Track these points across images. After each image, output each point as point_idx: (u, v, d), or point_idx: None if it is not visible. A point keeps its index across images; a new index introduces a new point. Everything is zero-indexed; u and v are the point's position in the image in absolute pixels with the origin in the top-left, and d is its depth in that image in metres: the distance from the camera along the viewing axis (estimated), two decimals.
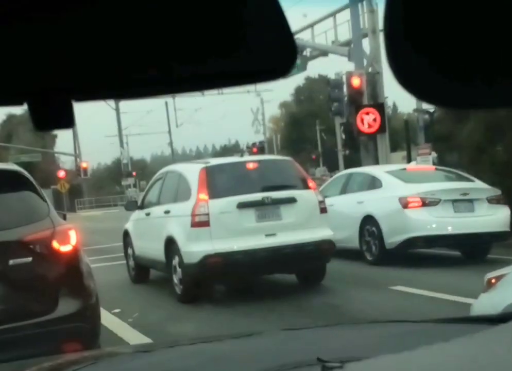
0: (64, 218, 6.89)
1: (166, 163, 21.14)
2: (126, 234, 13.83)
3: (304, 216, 10.89)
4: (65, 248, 6.10)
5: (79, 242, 6.28)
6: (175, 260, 10.87)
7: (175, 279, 10.89)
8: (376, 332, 2.16)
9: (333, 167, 67.02)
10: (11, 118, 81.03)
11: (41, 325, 5.80)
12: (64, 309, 5.93)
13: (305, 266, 11.26)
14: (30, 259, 5.82)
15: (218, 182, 11.02)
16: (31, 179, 6.41)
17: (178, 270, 10.78)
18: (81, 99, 1.01)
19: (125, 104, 65.38)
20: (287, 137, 79.23)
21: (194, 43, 0.94)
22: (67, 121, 1.02)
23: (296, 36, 29.33)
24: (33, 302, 5.87)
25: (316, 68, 76.08)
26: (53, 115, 1.01)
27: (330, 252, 11.11)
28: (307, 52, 29.96)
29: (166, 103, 65.88)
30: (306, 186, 11.26)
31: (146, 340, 8.16)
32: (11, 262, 5.76)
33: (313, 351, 1.73)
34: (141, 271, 13.13)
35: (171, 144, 69.90)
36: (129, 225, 13.80)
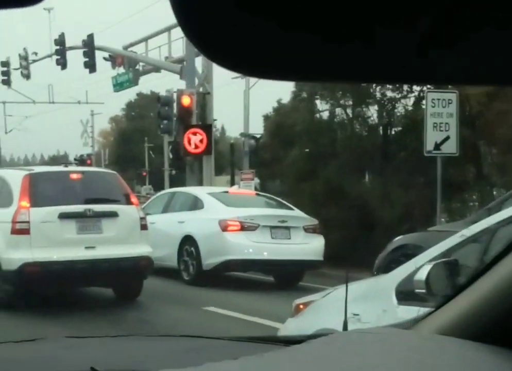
0: None
1: None
2: None
3: (124, 231, 10.98)
4: None
5: None
6: None
7: None
8: (167, 345, 2.15)
9: (158, 186, 67.06)
10: None
11: None
12: None
13: (122, 280, 11.31)
14: None
15: (41, 190, 10.92)
16: None
17: None
18: None
19: None
20: (115, 152, 78.37)
21: None
22: None
23: (129, 49, 28.37)
24: None
25: (149, 84, 75.78)
26: None
27: (148, 269, 11.22)
28: (139, 66, 29.61)
29: None
30: (128, 202, 11.35)
31: None
32: None
33: (92, 360, 1.69)
34: None
35: None
36: None
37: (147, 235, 11.39)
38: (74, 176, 11.31)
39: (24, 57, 33.38)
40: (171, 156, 26.94)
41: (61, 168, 12.06)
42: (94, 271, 10.63)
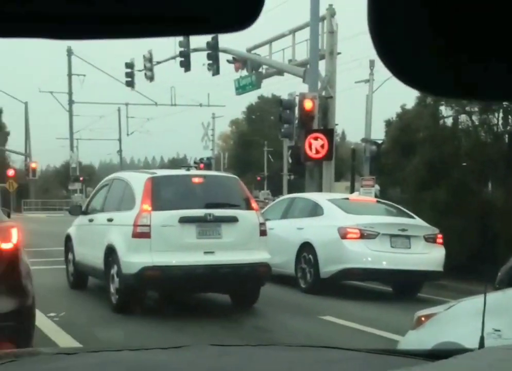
0: (8, 216, 6.79)
1: (114, 171, 20.90)
2: (68, 239, 13.62)
3: (243, 236, 10.87)
4: (6, 246, 6.02)
5: (20, 241, 6.20)
6: (114, 270, 10.75)
7: (112, 288, 10.78)
8: (308, 356, 2.11)
9: (276, 191, 67.29)
10: None
11: None
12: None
13: (240, 287, 11.21)
14: None
15: (163, 194, 10.95)
16: None
17: (116, 279, 10.66)
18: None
19: (78, 107, 64.33)
20: (234, 156, 79.00)
21: None
22: None
23: (253, 52, 28.47)
24: None
25: (271, 87, 76.09)
26: None
27: (266, 276, 11.07)
28: (262, 69, 29.57)
29: (119, 109, 64.95)
30: (249, 207, 11.23)
31: (77, 344, 8.10)
32: None
33: (237, 369, 1.71)
34: (79, 277, 12.97)
35: (120, 152, 68.87)
36: (71, 230, 13.62)
37: (266, 241, 11.24)
38: (195, 180, 11.29)
39: (148, 59, 33.79)
40: (290, 161, 26.84)
41: (182, 171, 12.07)
42: (212, 276, 10.56)
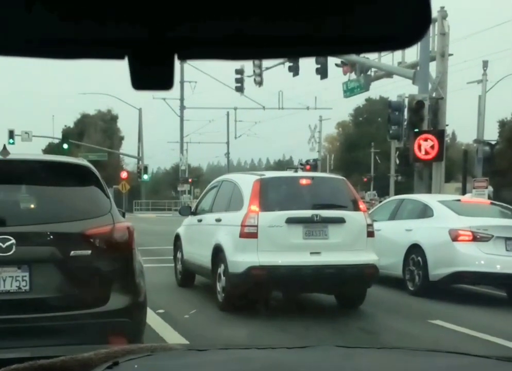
0: (123, 216, 6.87)
1: (221, 173, 21.15)
2: (177, 238, 13.82)
3: (351, 237, 10.69)
4: (122, 245, 6.07)
5: (134, 240, 6.25)
6: (221, 269, 10.78)
7: (219, 287, 10.81)
8: (437, 361, 2.02)
9: (383, 192, 66.81)
10: (84, 117, 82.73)
11: (92, 316, 5.81)
12: (114, 303, 5.92)
13: (346, 288, 11.03)
14: (89, 252, 5.82)
15: (270, 194, 10.90)
16: (99, 175, 6.42)
17: (223, 278, 10.68)
18: (185, 57, 0.95)
19: (189, 112, 65.90)
20: (340, 157, 78.77)
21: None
22: (166, 81, 0.95)
23: (362, 55, 28.64)
24: (86, 294, 5.85)
25: (378, 89, 75.65)
26: (153, 73, 0.95)
27: (373, 277, 10.84)
28: (371, 72, 29.58)
29: (228, 113, 66.06)
30: (356, 208, 11.03)
31: (185, 341, 8.13)
32: (72, 253, 5.77)
33: None
34: (187, 275, 13.12)
35: (227, 154, 70.03)
36: (180, 230, 13.79)
37: (373, 243, 11.02)
38: (303, 181, 11.19)
39: (258, 65, 34.12)
40: (398, 162, 26.63)
41: (290, 173, 12.02)
42: (318, 277, 10.42)
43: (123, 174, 62.24)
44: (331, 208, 10.86)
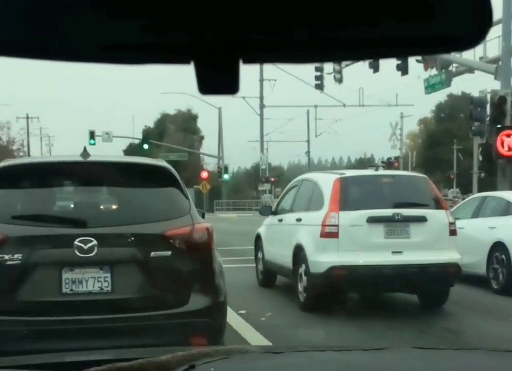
0: (203, 216, 6.95)
1: (302, 172, 21.16)
2: (258, 238, 13.90)
3: (433, 236, 10.57)
4: (202, 246, 6.12)
5: (214, 241, 6.32)
6: (302, 269, 10.80)
7: (300, 287, 10.83)
8: None
9: (466, 189, 65.71)
10: (164, 117, 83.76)
11: (172, 317, 5.88)
12: (194, 304, 5.97)
13: (428, 287, 10.91)
14: (169, 253, 5.90)
15: (351, 194, 10.85)
16: (178, 176, 6.49)
17: (304, 278, 10.70)
18: (250, 61, 0.95)
19: (268, 110, 65.83)
20: (422, 155, 77.68)
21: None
22: (232, 85, 0.96)
23: None
24: (167, 294, 5.94)
25: (459, 85, 74.33)
26: (219, 78, 0.96)
27: (455, 276, 10.69)
28: (452, 68, 29.35)
29: (308, 111, 65.93)
30: (438, 206, 10.90)
31: (267, 342, 8.16)
32: (152, 254, 5.87)
33: None
34: (268, 275, 13.19)
35: (308, 153, 69.73)
36: (261, 230, 13.87)
37: (456, 241, 10.87)
38: (384, 180, 11.14)
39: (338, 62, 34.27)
40: (481, 158, 26.18)
41: (371, 172, 11.95)
42: (401, 276, 10.34)
43: (204, 174, 62.76)
44: (412, 207, 10.75)
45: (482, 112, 22.83)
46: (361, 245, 10.31)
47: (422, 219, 10.58)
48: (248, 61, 0.94)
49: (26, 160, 8.94)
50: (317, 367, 1.88)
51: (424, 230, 10.57)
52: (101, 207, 6.59)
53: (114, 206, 6.48)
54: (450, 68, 29.17)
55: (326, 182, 11.14)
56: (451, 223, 10.79)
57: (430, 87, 30.44)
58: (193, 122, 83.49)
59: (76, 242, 5.74)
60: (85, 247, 5.75)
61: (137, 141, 65.99)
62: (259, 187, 65.77)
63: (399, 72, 30.32)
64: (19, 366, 2.02)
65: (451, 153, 72.71)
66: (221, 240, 11.65)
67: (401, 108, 63.66)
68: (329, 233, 10.38)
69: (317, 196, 11.16)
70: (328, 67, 35.37)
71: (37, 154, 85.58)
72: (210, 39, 0.90)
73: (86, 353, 3.09)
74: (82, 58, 0.97)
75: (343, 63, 34.00)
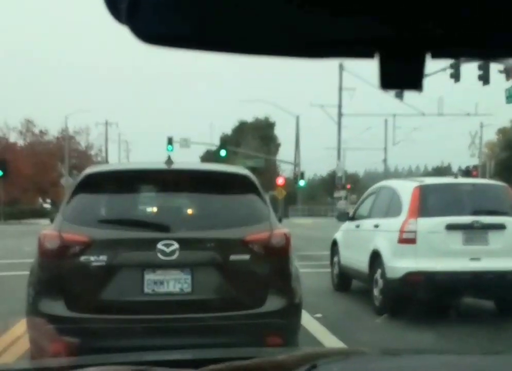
0: (280, 220, 7.10)
1: (378, 179, 21.10)
2: (334, 243, 14.02)
3: (511, 244, 10.51)
4: (279, 250, 6.33)
5: (291, 246, 6.46)
6: (378, 274, 10.86)
7: (376, 292, 10.89)
8: None
9: None
10: (242, 124, 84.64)
11: (249, 317, 6.12)
12: (271, 305, 6.19)
13: (506, 294, 10.82)
14: (248, 256, 6.17)
15: (430, 201, 10.86)
16: (257, 183, 6.80)
17: (380, 283, 10.76)
18: (438, 55, 0.91)
19: (346, 119, 65.74)
20: (501, 163, 76.36)
21: None
22: (416, 80, 0.94)
23: None
24: (245, 296, 6.21)
25: None
26: (403, 72, 0.92)
27: None
28: None
29: (386, 120, 65.70)
30: None
31: (343, 345, 8.25)
32: (232, 257, 6.14)
33: None
34: (344, 280, 13.27)
35: (385, 161, 69.58)
36: (338, 235, 14.00)
37: None
38: (463, 188, 11.14)
39: None
40: None
41: (450, 179, 11.95)
42: (478, 283, 10.31)
43: (280, 181, 63.05)
44: (491, 214, 10.71)
45: None
46: (439, 251, 10.31)
47: (501, 227, 10.53)
48: (437, 55, 0.92)
49: (111, 167, 9.45)
50: (444, 369, 1.86)
51: (503, 237, 10.52)
52: (183, 213, 6.89)
53: (195, 212, 6.78)
54: None
55: (405, 189, 11.19)
56: None
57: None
58: (271, 130, 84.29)
59: (159, 245, 6.06)
60: (167, 250, 6.07)
61: (214, 148, 66.73)
62: (335, 193, 65.71)
63: (480, 83, 30.25)
64: (132, 362, 2.03)
65: None
66: (297, 245, 11.76)
67: (480, 118, 62.92)
68: (407, 239, 10.43)
69: (395, 203, 11.21)
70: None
71: (115, 159, 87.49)
72: (395, 32, 0.88)
73: (195, 351, 3.28)
74: (276, 52, 0.96)
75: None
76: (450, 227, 10.40)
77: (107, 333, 5.89)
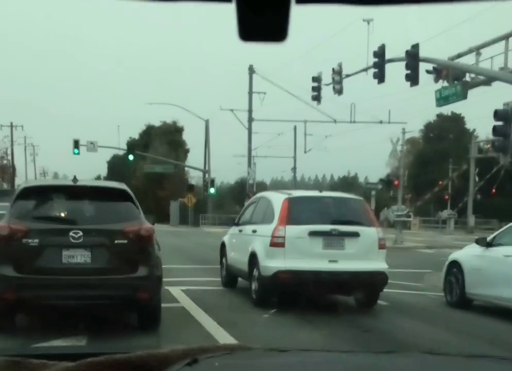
0: (153, 223, 11.34)
1: (285, 188, 22.83)
2: (223, 246, 17.32)
3: (364, 249, 13.63)
4: (145, 238, 10.53)
5: (154, 235, 10.71)
6: (255, 272, 13.91)
7: (253, 287, 13.97)
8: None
9: (461, 211, 67.97)
10: (149, 129, 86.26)
11: (127, 279, 10.28)
12: (140, 272, 10.41)
13: (359, 291, 13.89)
14: (125, 241, 10.40)
15: (296, 211, 13.88)
16: (132, 195, 11.10)
17: (256, 279, 13.79)
18: (303, 0, 0.86)
19: (257, 124, 64.60)
20: (413, 175, 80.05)
21: None
22: (280, 30, 0.88)
23: (457, 60, 28.01)
24: (124, 266, 10.37)
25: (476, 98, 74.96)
26: (265, 21, 0.87)
27: (382, 282, 13.69)
28: (468, 78, 28.35)
29: (295, 127, 66.59)
30: (370, 224, 13.98)
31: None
32: (115, 241, 10.37)
33: None
34: (231, 277, 16.47)
35: (294, 169, 70.86)
36: (225, 238, 17.34)
37: (384, 254, 13.93)
38: (325, 200, 14.24)
39: (338, 72, 34.50)
40: (477, 179, 25.14)
41: (315, 193, 14.93)
42: (335, 281, 13.34)
43: (189, 188, 64.15)
44: (348, 224, 13.80)
45: (506, 126, 22.59)
46: (303, 253, 13.37)
47: (355, 234, 13.67)
48: (302, 1, 0.86)
49: (39, 183, 15.30)
50: (324, 367, 1.95)
51: (357, 243, 13.66)
52: (85, 212, 10.92)
53: (92, 212, 10.87)
54: (465, 78, 28.22)
55: (278, 199, 14.30)
56: (380, 239, 13.88)
57: (443, 99, 29.29)
58: (179, 135, 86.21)
59: (70, 233, 10.23)
60: (76, 236, 10.25)
61: (121, 152, 67.78)
62: (245, 202, 65.93)
63: (407, 84, 28.16)
64: (9, 354, 2.11)
65: (443, 173, 75.43)
66: (208, 255, 14.52)
67: (393, 126, 64.05)
68: (277, 243, 13.51)
69: (269, 211, 14.29)
70: (326, 78, 35.21)
71: (22, 163, 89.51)
72: None
73: (78, 347, 4.54)
74: None
75: (343, 74, 33.96)
76: (313, 233, 13.47)
77: (39, 286, 9.95)
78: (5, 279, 10.03)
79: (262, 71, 58.74)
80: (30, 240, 10.09)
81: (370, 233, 13.85)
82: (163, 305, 11.28)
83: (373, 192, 39.52)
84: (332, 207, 14.16)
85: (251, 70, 60.74)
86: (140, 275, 10.35)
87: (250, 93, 62.04)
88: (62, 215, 10.76)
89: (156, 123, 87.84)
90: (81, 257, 10.25)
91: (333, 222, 13.72)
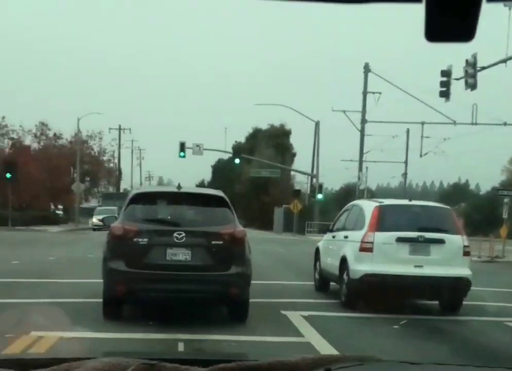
0: (244, 226, 13.16)
1: (391, 196, 23.04)
2: (317, 251, 18.71)
3: (449, 255, 14.78)
4: (239, 239, 12.14)
5: (246, 237, 12.30)
6: (345, 275, 15.23)
7: (343, 289, 15.26)
8: None
9: None
10: (256, 132, 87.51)
11: (222, 276, 11.89)
12: (233, 270, 12.02)
13: (444, 296, 15.02)
14: (221, 242, 12.06)
15: (385, 218, 15.18)
16: (228, 201, 12.75)
17: (346, 282, 15.10)
18: None
19: (369, 127, 62.63)
20: None
21: None
22: (468, 30, 0.89)
23: None
24: (220, 263, 12.00)
25: None
26: (454, 21, 0.89)
27: (466, 288, 14.76)
28: None
29: (408, 130, 64.74)
30: (455, 232, 15.12)
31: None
32: (212, 242, 12.04)
33: None
34: (323, 281, 17.80)
35: (405, 175, 69.74)
36: (320, 244, 18.74)
37: (468, 261, 15.08)
38: (413, 209, 15.50)
39: (471, 64, 33.20)
40: None
41: (405, 201, 16.25)
42: (420, 285, 14.56)
43: (295, 193, 64.43)
44: (434, 231, 14.99)
45: None
46: (390, 259, 14.65)
47: (441, 241, 14.84)
48: None
49: (148, 189, 18.10)
50: None
51: (442, 250, 14.82)
52: (187, 216, 12.68)
53: (193, 216, 12.69)
54: None
55: (369, 207, 15.64)
56: (465, 246, 15.00)
57: None
58: (286, 138, 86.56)
59: (174, 234, 11.94)
60: (179, 237, 11.96)
61: (227, 156, 68.09)
62: None
63: None
64: (142, 357, 2.16)
65: None
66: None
67: None
68: (366, 248, 14.82)
69: (361, 219, 15.63)
70: (457, 71, 34.01)
71: (128, 166, 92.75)
72: None
73: (209, 354, 4.47)
74: None
75: (478, 66, 32.12)
76: (400, 239, 14.73)
77: (146, 280, 11.74)
78: (118, 273, 11.87)
79: (378, 71, 56.48)
80: (139, 240, 11.88)
81: (455, 240, 14.96)
82: (283, 338, 11.28)
83: (506, 200, 37.99)
84: (419, 215, 15.36)
85: (366, 69, 58.81)
86: (233, 273, 11.96)
87: (364, 93, 60.19)
88: (168, 217, 12.60)
89: (264, 126, 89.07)
90: (182, 255, 11.94)
91: (420, 229, 14.90)
